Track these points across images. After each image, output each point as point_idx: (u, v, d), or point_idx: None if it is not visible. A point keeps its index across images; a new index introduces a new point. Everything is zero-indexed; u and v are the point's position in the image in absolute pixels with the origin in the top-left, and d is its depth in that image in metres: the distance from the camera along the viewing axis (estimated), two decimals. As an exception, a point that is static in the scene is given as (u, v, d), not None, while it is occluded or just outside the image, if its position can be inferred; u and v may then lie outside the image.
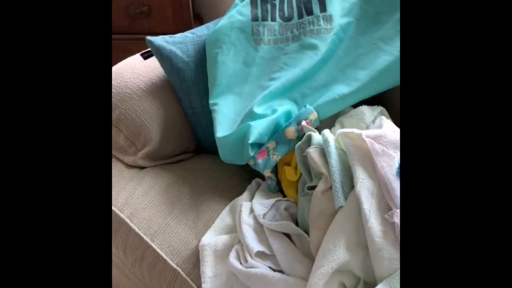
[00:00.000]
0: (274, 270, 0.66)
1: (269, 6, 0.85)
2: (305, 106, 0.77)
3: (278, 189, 0.80)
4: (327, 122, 0.79)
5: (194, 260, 0.72)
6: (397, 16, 0.79)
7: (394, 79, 0.78)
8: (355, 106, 0.79)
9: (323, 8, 0.82)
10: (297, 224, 0.71)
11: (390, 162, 0.60)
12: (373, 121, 0.75)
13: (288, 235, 0.70)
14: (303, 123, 0.75)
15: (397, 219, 0.57)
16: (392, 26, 0.79)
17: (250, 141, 0.73)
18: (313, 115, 0.77)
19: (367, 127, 0.74)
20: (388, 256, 0.57)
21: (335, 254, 0.59)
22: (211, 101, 0.82)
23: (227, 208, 0.77)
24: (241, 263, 0.67)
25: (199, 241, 0.73)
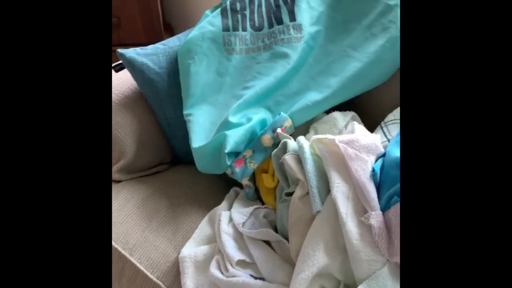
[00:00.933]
0: (256, 278, 0.66)
1: (239, 16, 0.86)
2: (280, 113, 0.78)
3: (257, 197, 0.80)
4: (301, 129, 0.81)
5: (175, 273, 0.71)
6: (364, 23, 0.81)
7: (364, 85, 0.81)
8: (327, 112, 0.81)
9: (292, 17, 0.83)
10: (276, 231, 0.72)
11: (364, 165, 0.62)
12: (346, 126, 0.76)
13: (268, 242, 0.71)
14: (278, 130, 0.76)
15: (373, 221, 0.59)
16: (360, 33, 0.81)
17: (226, 150, 0.74)
18: (288, 122, 0.78)
19: (340, 132, 0.76)
20: (366, 258, 0.59)
21: (315, 259, 0.60)
22: (185, 112, 0.82)
23: (206, 218, 0.77)
24: (222, 273, 0.66)
25: (179, 253, 0.72)
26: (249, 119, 0.78)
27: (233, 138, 0.75)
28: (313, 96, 0.80)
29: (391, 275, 0.58)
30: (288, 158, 0.68)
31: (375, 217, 0.59)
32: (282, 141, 0.71)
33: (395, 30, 0.77)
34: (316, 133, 0.78)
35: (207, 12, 0.91)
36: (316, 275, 0.60)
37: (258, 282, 0.64)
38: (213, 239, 0.73)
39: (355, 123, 0.72)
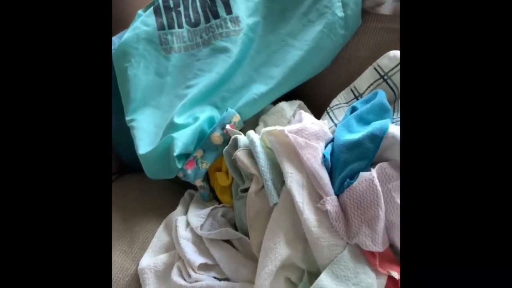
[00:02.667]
0: (220, 280, 0.65)
1: (173, 13, 0.83)
2: (227, 109, 0.77)
3: (213, 197, 0.78)
4: (251, 122, 0.80)
5: (136, 286, 0.68)
6: (301, 10, 0.81)
7: (307, 72, 0.81)
8: (274, 103, 0.81)
9: (228, 10, 0.82)
10: (236, 228, 0.71)
11: (314, 153, 0.62)
12: (294, 116, 0.76)
13: (229, 241, 0.70)
14: (228, 126, 0.75)
15: (329, 206, 0.59)
16: (297, 21, 0.81)
17: (175, 153, 0.71)
18: (236, 118, 0.77)
19: (289, 122, 0.76)
20: (326, 244, 0.59)
21: (277, 251, 0.59)
22: (127, 118, 0.78)
23: (162, 226, 0.74)
24: (184, 279, 0.64)
25: (138, 265, 0.69)
26: (196, 119, 0.75)
27: (181, 139, 0.72)
28: (259, 88, 0.79)
29: (352, 256, 0.59)
30: (240, 154, 0.66)
31: (331, 202, 0.60)
32: (232, 137, 0.70)
33: (330, 15, 0.78)
34: (265, 125, 0.77)
35: (140, 11, 0.87)
36: (279, 268, 0.60)
37: (223, 283, 0.63)
38: (172, 246, 0.70)
39: (302, 111, 0.72)
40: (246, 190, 0.67)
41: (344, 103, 0.78)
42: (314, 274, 0.60)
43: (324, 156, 0.63)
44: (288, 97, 0.82)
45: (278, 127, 0.65)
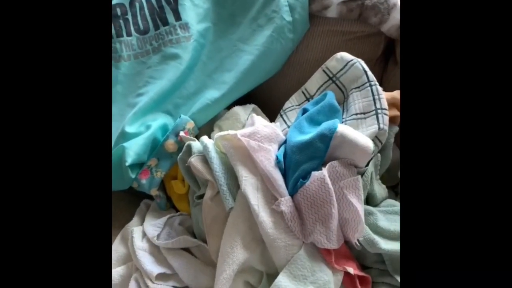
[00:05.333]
0: (179, 288, 0.64)
1: (121, 21, 0.82)
2: (180, 116, 0.76)
3: (170, 206, 0.77)
4: (206, 128, 0.80)
5: (92, 303, 0.66)
6: (250, 16, 0.82)
7: (259, 76, 0.82)
8: (229, 108, 0.81)
9: (177, 16, 0.81)
10: (195, 236, 0.70)
11: (268, 155, 0.63)
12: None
13: (188, 250, 0.69)
14: (181, 133, 0.74)
15: (283, 207, 0.60)
16: (247, 26, 0.82)
17: (127, 163, 0.70)
18: (190, 124, 0.77)
19: (244, 126, 0.76)
20: (283, 244, 0.60)
21: (234, 256, 0.59)
22: (78, 129, 0.76)
23: (118, 238, 0.72)
24: (143, 291, 0.63)
25: (94, 280, 0.67)
26: (148, 127, 0.74)
27: (133, 149, 0.71)
28: (212, 94, 0.79)
29: (308, 255, 0.60)
30: (194, 160, 0.66)
31: (285, 203, 0.61)
32: (186, 144, 0.69)
33: (279, 19, 0.79)
34: (220, 130, 0.77)
35: (87, 20, 0.85)
36: (238, 272, 0.60)
37: (182, 292, 0.62)
38: (129, 258, 0.69)
39: (254, 115, 0.73)
40: (202, 196, 0.67)
41: (296, 105, 0.79)
42: (273, 276, 0.61)
43: (277, 158, 0.64)
44: (242, 101, 0.82)
45: (231, 132, 0.65)
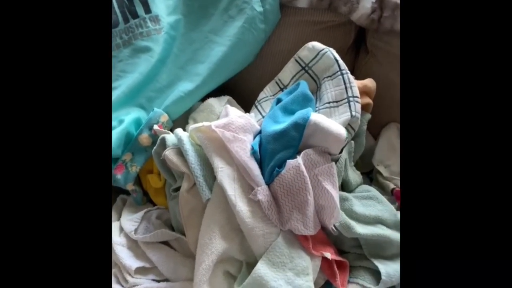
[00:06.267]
0: (159, 281, 0.64)
1: (89, 14, 0.80)
2: (153, 109, 0.76)
3: (147, 200, 0.77)
4: (180, 121, 0.79)
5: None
6: (221, 7, 0.82)
7: (232, 68, 0.82)
8: (203, 100, 0.81)
9: (147, 9, 0.80)
10: (173, 229, 0.70)
11: (243, 145, 0.63)
12: (223, 111, 0.77)
13: (167, 243, 0.69)
14: (155, 127, 0.73)
15: (260, 196, 0.61)
16: (218, 17, 0.82)
17: (101, 159, 0.69)
18: (164, 117, 0.76)
19: (218, 118, 0.76)
20: (261, 233, 0.60)
21: (213, 246, 0.59)
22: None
23: (94, 235, 0.71)
24: (122, 286, 0.63)
25: (71, 279, 0.66)
26: (121, 121, 0.73)
27: (106, 144, 0.70)
28: (185, 86, 0.78)
29: (286, 242, 0.61)
30: (169, 153, 0.66)
31: (262, 192, 0.61)
32: (160, 137, 0.69)
33: (250, 10, 0.79)
34: (195, 122, 0.77)
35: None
36: (217, 262, 0.60)
37: (162, 284, 0.63)
38: (106, 254, 0.68)
39: (228, 106, 0.73)
40: (178, 189, 0.67)
41: (270, 96, 0.80)
42: (252, 265, 0.61)
43: (252, 148, 0.64)
44: (216, 93, 0.82)
45: (205, 123, 0.65)
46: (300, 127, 0.63)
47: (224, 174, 0.62)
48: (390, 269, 0.63)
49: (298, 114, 0.64)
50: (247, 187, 0.62)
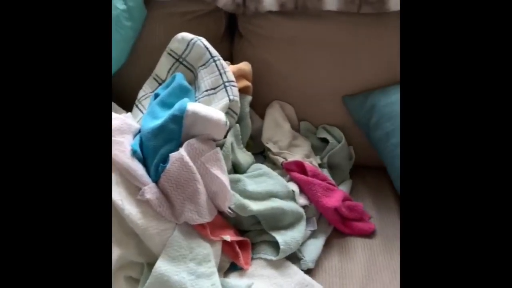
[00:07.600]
0: None
1: None
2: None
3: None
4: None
5: None
6: None
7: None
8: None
9: None
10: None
11: (121, 147, 0.62)
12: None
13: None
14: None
15: (148, 195, 0.60)
16: None
17: None
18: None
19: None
20: (156, 231, 0.60)
21: (106, 255, 0.57)
22: None
23: None
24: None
25: None
26: None
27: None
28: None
29: (183, 234, 0.61)
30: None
31: (150, 191, 0.60)
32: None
33: (113, 9, 0.76)
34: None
35: None
36: (116, 269, 0.59)
37: None
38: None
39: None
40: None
41: (150, 92, 0.78)
42: (153, 265, 0.61)
43: (132, 149, 0.63)
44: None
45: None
46: (178, 118, 0.63)
47: (107, 180, 0.60)
48: (287, 237, 0.67)
49: (175, 106, 0.64)
50: (134, 189, 0.61)
